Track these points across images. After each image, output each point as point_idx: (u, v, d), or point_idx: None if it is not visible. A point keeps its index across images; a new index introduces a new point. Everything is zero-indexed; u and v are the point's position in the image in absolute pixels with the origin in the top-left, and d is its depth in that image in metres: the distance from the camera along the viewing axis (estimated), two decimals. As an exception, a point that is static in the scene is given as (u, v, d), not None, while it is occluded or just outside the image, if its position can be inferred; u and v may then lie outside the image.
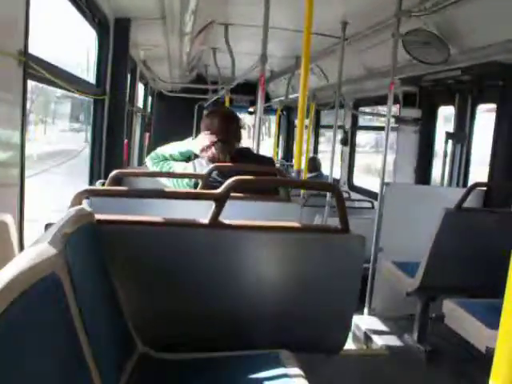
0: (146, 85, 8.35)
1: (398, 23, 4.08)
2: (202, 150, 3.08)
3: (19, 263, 1.08)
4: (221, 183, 1.85)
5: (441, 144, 5.40)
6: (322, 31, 5.30)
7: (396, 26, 4.10)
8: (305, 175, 6.35)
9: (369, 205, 5.88)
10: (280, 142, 11.96)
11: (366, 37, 5.14)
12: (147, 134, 9.55)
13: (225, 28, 5.56)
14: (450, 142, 5.20)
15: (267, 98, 10.39)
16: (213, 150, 3.04)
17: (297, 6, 3.00)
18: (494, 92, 4.44)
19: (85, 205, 1.82)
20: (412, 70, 4.88)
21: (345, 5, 4.55)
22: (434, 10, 3.94)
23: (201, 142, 3.10)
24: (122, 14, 4.10)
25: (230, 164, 2.98)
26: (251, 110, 10.90)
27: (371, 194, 6.29)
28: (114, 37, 4.14)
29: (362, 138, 10.46)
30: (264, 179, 2.24)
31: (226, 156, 3.05)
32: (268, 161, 3.35)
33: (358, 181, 7.85)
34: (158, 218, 1.81)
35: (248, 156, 3.24)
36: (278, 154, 11.23)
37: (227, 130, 3.07)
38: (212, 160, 3.02)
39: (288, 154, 11.58)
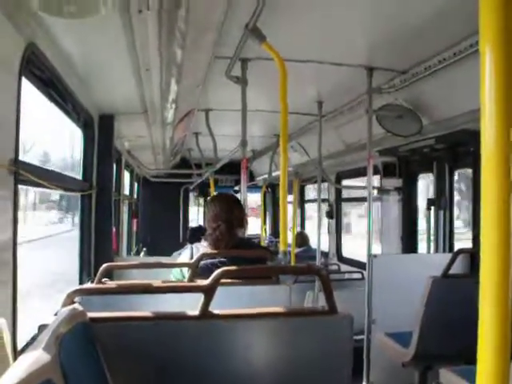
0: (131, 172, 8.48)
1: (370, 100, 4.26)
2: (208, 235, 3.17)
3: (15, 373, 1.12)
4: (218, 267, 1.91)
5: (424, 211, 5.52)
6: (300, 110, 5.49)
7: (368, 103, 4.28)
8: (292, 251, 6.40)
9: (359, 276, 5.92)
10: (267, 219, 12.07)
11: (342, 113, 5.33)
12: (135, 220, 9.62)
13: (205, 114, 5.74)
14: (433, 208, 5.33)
15: (252, 176, 10.58)
16: (217, 232, 3.11)
17: (273, 89, 3.15)
18: (468, 158, 4.60)
19: (76, 303, 1.86)
20: (389, 141, 5.04)
21: (318, 86, 4.76)
22: (402, 87, 4.14)
23: (209, 225, 3.19)
24: (106, 111, 4.26)
25: (216, 251, 3.05)
26: (236, 188, 11.06)
27: (361, 265, 6.33)
28: (99, 132, 4.28)
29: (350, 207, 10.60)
30: (250, 269, 2.30)
31: (229, 240, 3.12)
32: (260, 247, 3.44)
33: (347, 251, 7.90)
34: (148, 313, 1.85)
35: (251, 245, 3.37)
36: (265, 230, 11.32)
37: (230, 215, 3.15)
38: (215, 242, 3.10)
39: (276, 230, 11.66)
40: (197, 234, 7.29)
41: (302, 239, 8.21)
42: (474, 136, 4.12)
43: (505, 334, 1.00)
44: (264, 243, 9.99)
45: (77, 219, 4.39)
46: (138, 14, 2.14)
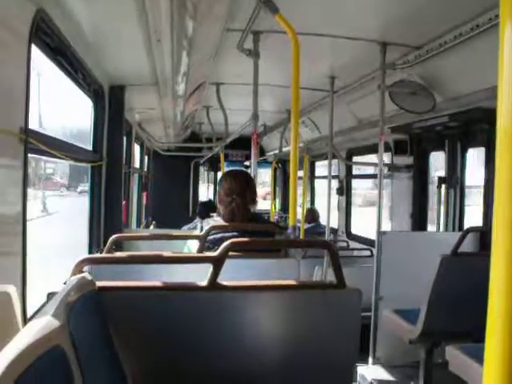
0: (141, 145, 8.48)
1: (383, 76, 4.22)
2: (222, 206, 3.20)
3: (24, 338, 1.12)
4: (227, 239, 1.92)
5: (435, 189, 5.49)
6: (312, 86, 5.45)
7: (382, 79, 4.24)
8: (302, 227, 6.40)
9: (368, 253, 5.91)
10: (277, 194, 12.07)
11: (354, 89, 5.28)
12: (145, 193, 9.65)
13: (216, 87, 5.72)
14: (444, 186, 5.29)
15: (262, 152, 10.55)
16: (233, 205, 3.14)
17: (285, 63, 3.12)
18: (482, 136, 4.56)
19: (86, 272, 1.86)
20: (401, 118, 4.99)
21: (331, 61, 4.71)
22: (417, 62, 4.08)
23: (222, 199, 3.22)
24: (117, 82, 4.24)
25: (227, 224, 3.07)
26: (247, 163, 11.05)
27: (370, 242, 6.32)
28: (109, 103, 4.26)
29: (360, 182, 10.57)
30: (258, 241, 2.31)
31: (244, 214, 3.15)
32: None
33: (356, 229, 7.89)
34: (157, 283, 1.85)
35: (263, 221, 3.44)
36: (275, 205, 11.32)
37: (244, 190, 3.19)
38: (231, 216, 3.13)
39: (285, 205, 11.67)
40: (206, 209, 7.32)
41: (312, 215, 8.22)
42: (488, 114, 4.11)
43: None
44: (273, 218, 10.01)
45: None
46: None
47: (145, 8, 2.49)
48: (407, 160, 5.98)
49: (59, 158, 2.87)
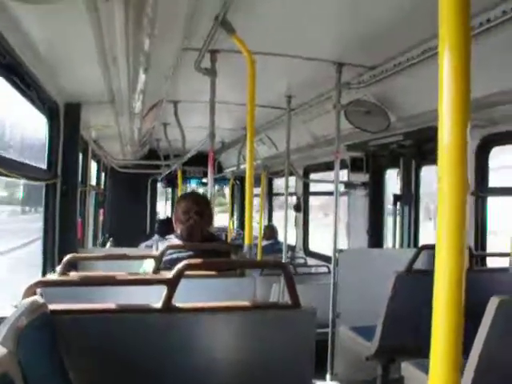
0: (98, 161, 8.38)
1: (338, 95, 4.28)
2: (180, 224, 3.21)
3: None
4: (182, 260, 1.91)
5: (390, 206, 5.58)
6: (269, 104, 5.49)
7: (337, 98, 4.30)
8: (259, 244, 6.41)
9: (325, 269, 5.95)
10: (235, 212, 12.09)
11: (311, 107, 5.35)
12: (102, 210, 9.52)
13: (174, 105, 5.70)
14: (399, 203, 5.39)
15: (220, 168, 10.56)
16: (190, 222, 3.18)
17: (242, 81, 3.14)
18: (434, 154, 4.66)
19: (37, 295, 1.82)
20: (357, 136, 5.07)
21: (288, 80, 4.76)
22: (371, 83, 4.17)
23: (179, 217, 3.23)
24: (72, 99, 4.19)
25: (182, 243, 3.07)
26: (204, 180, 11.02)
27: (327, 259, 6.37)
28: (65, 121, 4.20)
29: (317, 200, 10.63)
30: (213, 262, 2.31)
31: (201, 232, 3.20)
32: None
33: (314, 246, 7.95)
34: (110, 305, 1.83)
35: (218, 240, 3.48)
36: (233, 223, 11.32)
37: (202, 210, 3.24)
38: (189, 233, 3.16)
39: (243, 222, 11.65)
40: (165, 226, 7.25)
41: (270, 232, 8.24)
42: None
43: (457, 329, 1.01)
44: (231, 235, 10.00)
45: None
46: (105, 1, 2.11)
47: (100, 25, 2.48)
48: (363, 177, 6.07)
49: (10, 176, 2.81)
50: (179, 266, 1.83)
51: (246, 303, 2.00)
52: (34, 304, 1.66)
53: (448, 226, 1.01)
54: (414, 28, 3.11)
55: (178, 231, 3.25)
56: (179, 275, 1.82)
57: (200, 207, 3.24)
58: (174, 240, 3.20)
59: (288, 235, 5.85)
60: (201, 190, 11.62)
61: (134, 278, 2.20)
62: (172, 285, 1.81)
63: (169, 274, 1.85)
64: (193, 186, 11.67)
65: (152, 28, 2.56)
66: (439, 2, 1.04)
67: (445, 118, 1.01)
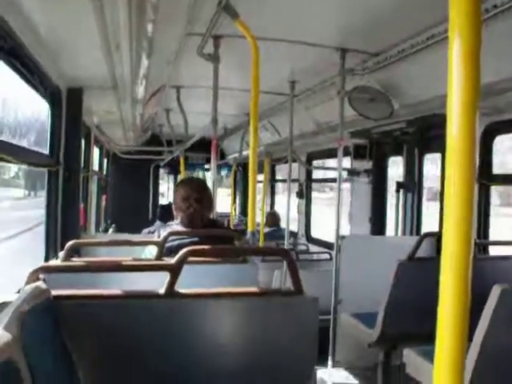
0: (101, 147, 8.37)
1: (342, 81, 4.26)
2: (180, 211, 3.19)
3: None
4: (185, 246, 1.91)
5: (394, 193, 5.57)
6: (272, 89, 5.47)
7: (341, 84, 4.28)
8: (261, 231, 6.41)
9: (327, 256, 5.96)
10: (237, 198, 12.09)
11: (315, 94, 5.32)
12: (104, 196, 9.53)
13: (176, 90, 5.68)
14: (402, 191, 5.37)
15: (223, 155, 10.54)
16: (190, 209, 3.16)
17: (245, 67, 3.12)
18: (438, 142, 4.65)
19: (40, 281, 1.83)
20: (360, 123, 5.05)
21: (292, 65, 4.73)
22: (376, 69, 4.14)
23: (178, 205, 3.22)
24: (74, 84, 4.16)
25: (185, 230, 3.07)
26: (207, 167, 11.00)
27: (330, 245, 6.37)
28: (67, 106, 4.18)
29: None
30: (215, 248, 2.31)
31: (202, 219, 3.18)
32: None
33: (316, 232, 7.95)
34: (113, 291, 1.83)
35: (220, 225, 3.44)
36: (235, 209, 11.31)
37: (201, 196, 3.22)
38: (190, 220, 3.14)
39: (246, 209, 11.67)
40: (166, 212, 7.25)
41: (273, 219, 8.23)
42: (443, 121, 4.19)
43: (463, 315, 1.01)
44: (233, 222, 10.01)
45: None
46: (108, -15, 2.09)
47: (103, 10, 2.46)
48: (366, 165, 6.06)
49: (13, 162, 2.81)
50: (182, 252, 1.83)
51: (248, 289, 2.00)
52: (36, 289, 1.66)
53: (455, 215, 1.00)
54: (418, 14, 3.09)
55: (179, 218, 3.24)
56: (182, 261, 1.82)
57: (199, 194, 3.22)
58: (175, 227, 3.20)
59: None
60: (201, 175, 11.64)
61: (137, 264, 2.21)
62: (175, 271, 1.81)
63: (171, 260, 1.85)
64: (196, 172, 11.66)
65: (155, 13, 2.54)
66: None
67: (453, 105, 1.00)
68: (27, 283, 1.79)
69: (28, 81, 3.32)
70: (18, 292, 1.76)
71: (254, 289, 2.03)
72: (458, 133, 0.98)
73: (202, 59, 3.75)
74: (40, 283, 1.78)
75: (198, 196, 3.19)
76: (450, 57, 1.00)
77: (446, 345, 1.02)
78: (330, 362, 4.40)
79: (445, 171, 1.03)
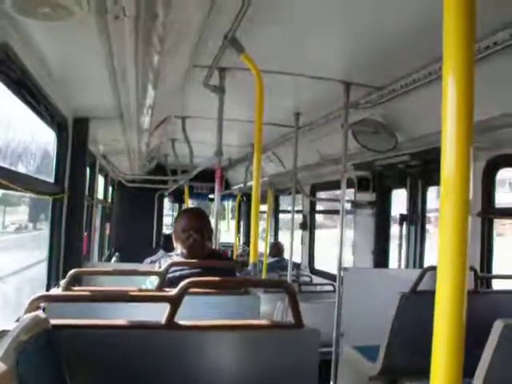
0: (106, 176, 8.41)
1: (346, 114, 4.29)
2: (180, 242, 3.19)
3: None
4: (186, 277, 1.91)
5: (397, 226, 5.57)
6: (277, 121, 5.51)
7: (345, 118, 4.31)
8: (264, 262, 6.39)
9: (331, 288, 5.92)
10: (241, 228, 12.10)
11: (319, 126, 5.36)
12: (108, 224, 9.54)
13: (182, 120, 5.73)
14: (405, 223, 5.37)
15: (227, 185, 10.57)
16: (190, 240, 3.14)
17: (250, 98, 3.16)
18: (439, 175, 4.65)
19: (40, 310, 1.83)
20: (364, 156, 5.08)
21: (296, 98, 4.78)
22: (379, 103, 4.18)
23: (179, 236, 3.20)
24: (81, 114, 4.22)
25: (186, 260, 3.06)
26: (211, 196, 11.03)
27: (333, 277, 6.34)
28: (73, 135, 4.23)
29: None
30: (216, 280, 2.30)
31: (202, 249, 3.16)
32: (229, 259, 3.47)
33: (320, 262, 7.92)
34: (113, 321, 1.83)
35: (221, 256, 3.46)
36: (239, 239, 11.30)
37: (201, 226, 3.20)
38: (191, 250, 3.13)
39: (249, 239, 11.62)
40: (170, 241, 7.23)
41: (277, 249, 8.21)
42: (447, 154, 4.21)
43: (458, 352, 1.01)
44: (237, 252, 9.99)
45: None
46: (115, 19, 2.13)
47: (110, 43, 2.51)
48: (370, 196, 6.06)
49: (18, 191, 2.83)
50: (183, 283, 1.83)
51: (248, 322, 1.99)
52: (35, 319, 1.66)
53: (449, 247, 1.01)
54: (420, 49, 3.13)
55: (179, 250, 3.22)
56: (182, 293, 1.82)
57: (198, 223, 3.20)
58: (175, 257, 3.18)
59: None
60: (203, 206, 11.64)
61: (138, 295, 2.21)
62: (175, 302, 1.81)
63: (172, 292, 1.85)
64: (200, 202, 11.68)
65: (161, 45, 2.58)
66: (444, 26, 1.05)
67: (448, 140, 1.02)
68: (27, 312, 1.78)
69: (35, 110, 3.37)
70: (18, 321, 1.76)
71: (254, 321, 2.03)
72: (452, 167, 1.00)
73: (207, 90, 3.79)
74: (39, 312, 1.77)
75: (197, 226, 3.17)
76: (444, 94, 1.02)
77: (441, 380, 1.01)
78: (331, 396, 4.35)
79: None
